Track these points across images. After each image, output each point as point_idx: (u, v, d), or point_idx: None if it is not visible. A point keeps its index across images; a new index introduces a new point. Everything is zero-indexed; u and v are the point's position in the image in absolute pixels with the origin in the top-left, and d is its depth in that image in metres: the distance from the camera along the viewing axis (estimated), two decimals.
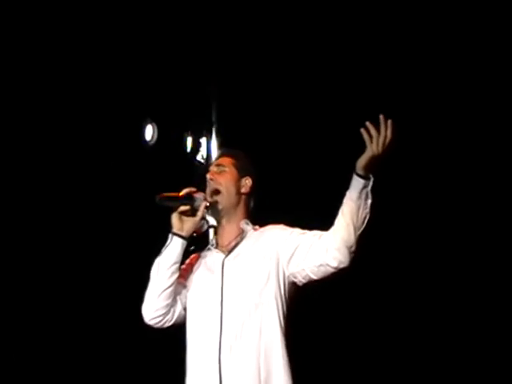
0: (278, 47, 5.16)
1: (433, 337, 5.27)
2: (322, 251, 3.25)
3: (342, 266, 3.23)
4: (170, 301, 3.38)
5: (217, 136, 5.78)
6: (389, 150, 3.15)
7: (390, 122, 3.16)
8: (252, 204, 3.54)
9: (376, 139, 3.14)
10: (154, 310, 3.39)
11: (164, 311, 3.39)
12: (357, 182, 3.18)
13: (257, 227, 3.50)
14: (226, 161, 3.54)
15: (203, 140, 5.81)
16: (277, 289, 3.31)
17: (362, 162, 3.17)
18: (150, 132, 5.55)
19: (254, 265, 3.34)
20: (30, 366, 5.24)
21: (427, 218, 5.19)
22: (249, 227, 3.48)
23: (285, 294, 3.34)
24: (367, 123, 3.15)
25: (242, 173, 3.51)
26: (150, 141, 5.52)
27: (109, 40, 5.10)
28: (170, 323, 3.43)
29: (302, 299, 3.43)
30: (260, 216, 3.55)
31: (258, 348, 3.24)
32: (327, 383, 5.15)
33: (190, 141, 5.74)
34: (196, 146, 5.77)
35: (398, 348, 5.22)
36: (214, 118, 5.72)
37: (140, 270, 3.50)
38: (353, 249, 3.22)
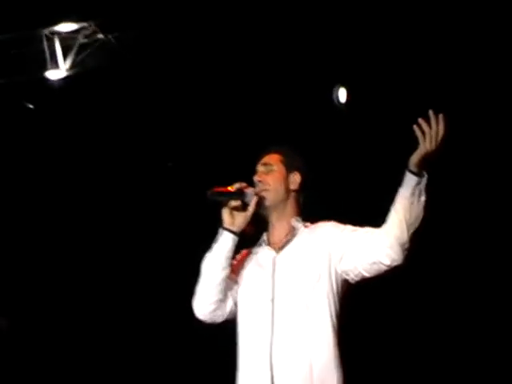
0: None
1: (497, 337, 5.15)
2: (374, 249, 3.21)
3: (395, 263, 3.19)
4: (221, 296, 3.37)
5: None
6: (442, 145, 3.11)
7: (441, 116, 3.12)
8: (302, 200, 3.50)
9: (429, 135, 3.10)
10: (206, 304, 3.39)
11: (215, 306, 3.38)
12: (410, 179, 3.14)
13: (308, 224, 3.47)
14: (274, 158, 3.50)
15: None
16: (329, 287, 3.28)
17: (414, 158, 3.13)
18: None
19: (305, 263, 3.31)
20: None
21: (483, 214, 5.09)
22: (300, 224, 3.45)
23: (337, 293, 3.30)
24: (419, 119, 3.12)
25: (289, 169, 3.48)
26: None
27: None
28: (222, 319, 3.42)
29: (356, 298, 3.40)
30: (312, 213, 3.52)
31: (311, 346, 3.21)
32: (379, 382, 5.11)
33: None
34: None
35: (456, 346, 5.14)
36: None
37: (190, 265, 3.50)
38: (406, 246, 3.18)
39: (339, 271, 3.30)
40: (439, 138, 3.11)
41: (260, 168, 3.50)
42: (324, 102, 5.14)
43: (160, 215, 5.25)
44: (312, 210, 3.53)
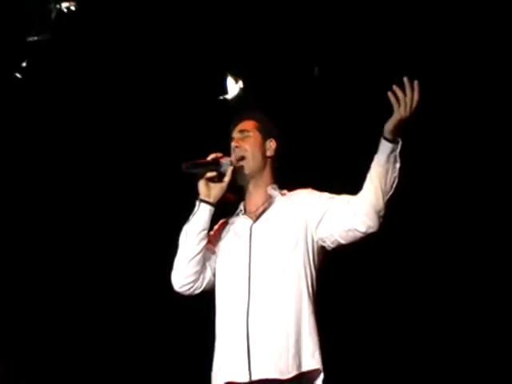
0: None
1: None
2: (350, 216, 3.22)
3: (370, 230, 3.21)
4: (199, 268, 3.38)
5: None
6: (416, 112, 3.11)
7: (416, 83, 3.12)
8: (277, 167, 3.51)
9: (403, 102, 3.10)
10: (183, 277, 3.40)
11: (193, 278, 3.39)
12: (384, 147, 3.15)
13: (284, 191, 3.49)
14: (249, 125, 3.50)
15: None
16: (305, 254, 3.30)
17: (389, 125, 3.14)
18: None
19: (281, 230, 3.33)
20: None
21: (458, 182, 5.10)
22: (276, 192, 3.46)
23: (313, 259, 3.33)
24: (394, 86, 3.11)
25: (266, 136, 3.49)
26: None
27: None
28: (200, 290, 3.43)
29: (331, 265, 3.42)
30: (287, 180, 3.52)
31: (287, 313, 3.23)
32: (356, 350, 5.15)
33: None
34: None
35: (429, 318, 5.17)
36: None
37: (168, 238, 3.50)
38: (381, 213, 3.20)
39: (315, 238, 3.32)
40: (414, 104, 3.11)
41: (236, 134, 3.50)
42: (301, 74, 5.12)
43: (137, 191, 5.23)
44: (287, 178, 3.54)
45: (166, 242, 3.53)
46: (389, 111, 3.13)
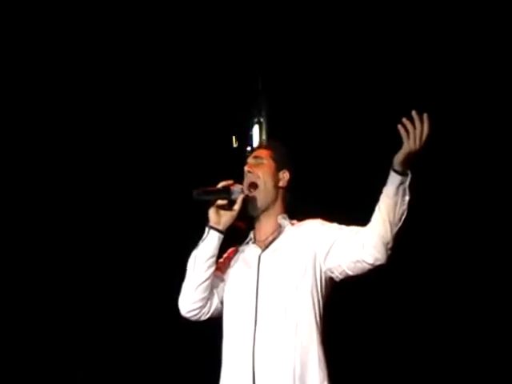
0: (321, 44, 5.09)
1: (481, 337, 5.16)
2: (358, 247, 3.23)
3: (378, 262, 3.21)
4: (206, 294, 3.39)
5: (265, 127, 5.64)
6: (426, 145, 3.11)
7: (425, 116, 3.12)
8: (290, 198, 3.53)
9: (413, 134, 3.10)
10: (190, 302, 3.41)
11: (201, 304, 3.40)
12: (394, 178, 3.15)
13: (294, 222, 3.49)
14: (264, 153, 3.53)
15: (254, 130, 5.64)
16: (313, 284, 3.30)
17: (399, 157, 3.14)
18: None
19: (290, 260, 3.34)
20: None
21: (467, 214, 5.09)
22: (286, 222, 3.47)
23: (321, 290, 3.33)
24: (404, 119, 3.13)
25: (279, 166, 3.50)
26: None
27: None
28: (207, 316, 3.44)
29: (340, 296, 3.42)
30: (298, 210, 3.54)
31: (293, 344, 3.23)
32: (364, 380, 5.12)
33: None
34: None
35: (439, 346, 5.16)
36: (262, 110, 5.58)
37: (177, 262, 3.52)
38: (389, 246, 3.19)
39: (324, 269, 3.32)
40: (423, 137, 3.11)
41: (250, 160, 3.53)
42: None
43: (148, 214, 5.24)
44: (298, 208, 3.56)
45: (175, 266, 3.54)
46: (398, 143, 3.14)
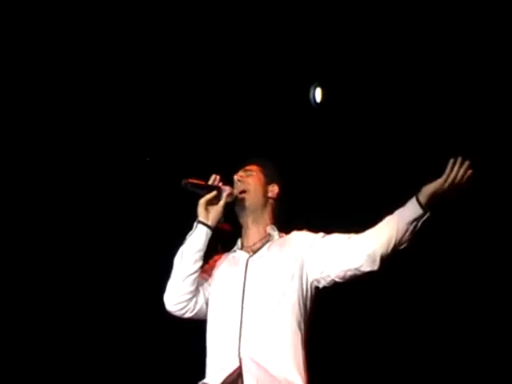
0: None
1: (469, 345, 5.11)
2: (351, 255, 3.23)
3: (368, 269, 3.22)
4: (193, 288, 3.37)
5: None
6: (458, 194, 3.12)
7: (467, 163, 3.11)
8: (279, 211, 3.54)
9: (452, 177, 3.10)
10: (177, 295, 3.38)
11: (187, 297, 3.38)
12: (415, 208, 3.14)
13: (282, 234, 3.50)
14: (254, 167, 3.57)
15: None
16: (299, 291, 3.30)
17: (428, 189, 3.14)
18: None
19: (278, 265, 3.33)
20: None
21: (467, 214, 4.99)
22: (275, 233, 3.48)
23: (307, 296, 3.33)
24: (459, 158, 3.10)
25: (269, 179, 3.54)
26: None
27: None
28: (191, 314, 3.41)
29: (323, 303, 3.42)
30: (286, 223, 3.54)
31: (277, 347, 3.21)
32: None
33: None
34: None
35: (432, 349, 5.11)
36: None
37: (165, 260, 3.50)
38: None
39: (310, 279, 3.33)
40: (459, 182, 3.11)
41: (240, 172, 3.56)
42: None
43: (135, 210, 5.22)
44: (287, 221, 3.56)
45: (161, 263, 3.52)
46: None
